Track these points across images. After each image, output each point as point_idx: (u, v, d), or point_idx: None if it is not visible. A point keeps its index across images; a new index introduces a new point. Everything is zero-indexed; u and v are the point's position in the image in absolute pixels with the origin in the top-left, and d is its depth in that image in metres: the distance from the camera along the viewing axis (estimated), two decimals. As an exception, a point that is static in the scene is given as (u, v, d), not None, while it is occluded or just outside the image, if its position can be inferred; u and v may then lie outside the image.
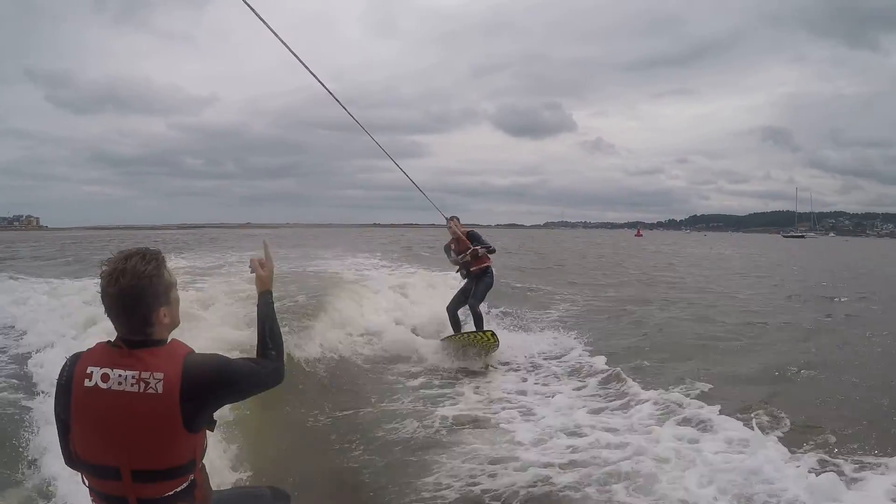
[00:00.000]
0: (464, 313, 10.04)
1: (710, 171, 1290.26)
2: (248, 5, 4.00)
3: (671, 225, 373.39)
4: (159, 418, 2.06)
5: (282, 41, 4.73)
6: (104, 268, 2.14)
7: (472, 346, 9.12)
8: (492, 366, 8.95)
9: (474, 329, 9.35)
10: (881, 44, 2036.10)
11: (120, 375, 2.07)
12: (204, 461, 2.32)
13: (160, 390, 2.06)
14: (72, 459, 2.23)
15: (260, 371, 2.34)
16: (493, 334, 9.06)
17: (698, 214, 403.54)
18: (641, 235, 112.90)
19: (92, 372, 2.10)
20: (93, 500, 2.23)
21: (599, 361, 8.85)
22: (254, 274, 2.60)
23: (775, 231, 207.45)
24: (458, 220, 9.97)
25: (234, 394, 2.31)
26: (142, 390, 2.05)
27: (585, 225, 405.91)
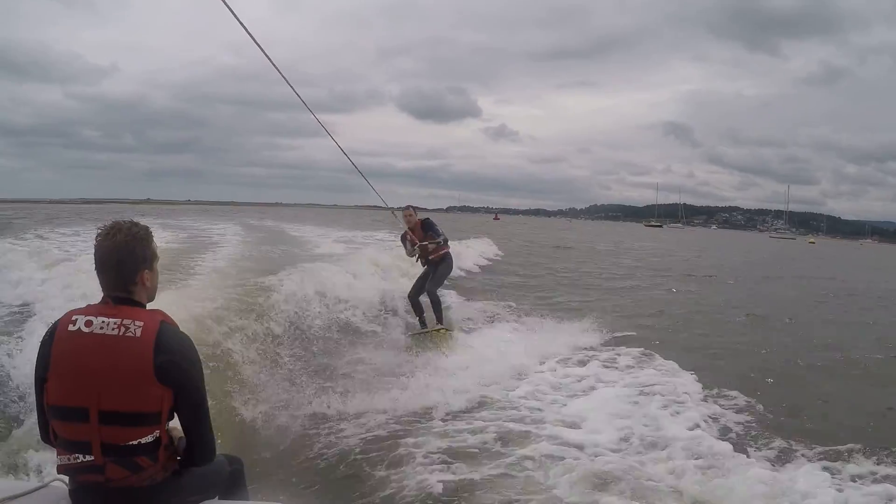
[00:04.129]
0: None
1: (611, 162, 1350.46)
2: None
3: (571, 213, 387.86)
4: (133, 359, 2.21)
5: (252, 38, 4.63)
6: (100, 229, 2.38)
7: (431, 339, 9.32)
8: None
9: (434, 313, 9.62)
10: (781, 49, 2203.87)
11: (103, 321, 2.24)
12: (172, 433, 2.43)
13: (138, 334, 2.23)
14: (46, 427, 2.34)
15: (208, 417, 2.45)
16: (447, 331, 9.45)
17: (598, 204, 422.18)
18: (499, 219, 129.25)
19: (76, 319, 2.26)
20: (58, 456, 2.31)
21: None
22: None
23: (684, 223, 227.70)
24: (413, 209, 9.93)
25: (188, 383, 2.33)
26: (121, 333, 2.23)
27: (487, 210, 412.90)
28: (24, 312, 8.73)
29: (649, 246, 49.60)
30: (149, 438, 2.27)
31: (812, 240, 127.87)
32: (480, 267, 20.58)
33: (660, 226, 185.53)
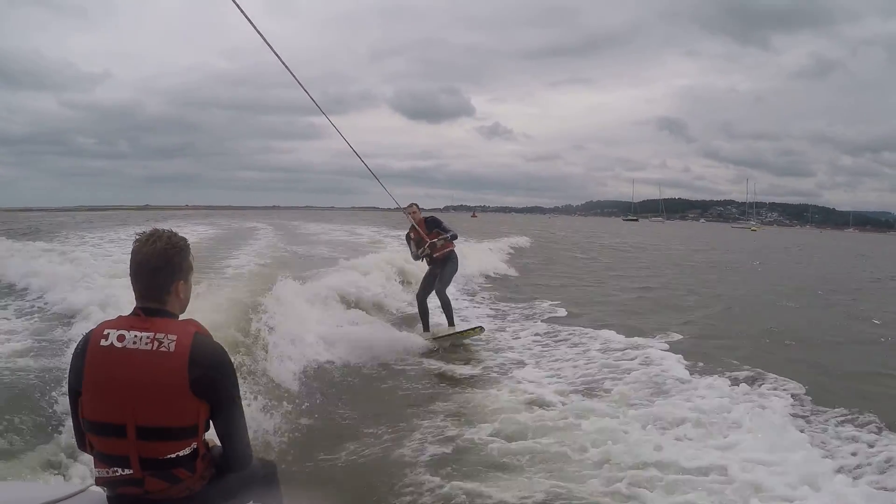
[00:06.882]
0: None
1: (606, 159, 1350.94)
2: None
3: (567, 210, 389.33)
4: (168, 374, 2.18)
5: (266, 41, 4.59)
6: (138, 236, 2.36)
7: (462, 339, 9.19)
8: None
9: (444, 315, 9.47)
10: (772, 42, 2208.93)
11: (136, 336, 2.21)
12: (208, 440, 2.42)
13: (172, 349, 2.20)
14: (82, 436, 2.32)
15: (244, 425, 2.45)
16: (482, 328, 9.41)
17: (594, 200, 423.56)
18: (476, 217, 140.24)
19: (108, 333, 2.23)
20: (96, 468, 2.30)
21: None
22: None
23: (664, 217, 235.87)
24: (417, 206, 9.67)
25: (224, 395, 2.32)
26: (155, 348, 2.20)
27: (484, 209, 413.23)
28: (75, 313, 8.83)
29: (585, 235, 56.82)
30: (186, 451, 2.27)
31: (755, 228, 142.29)
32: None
33: (636, 220, 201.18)
